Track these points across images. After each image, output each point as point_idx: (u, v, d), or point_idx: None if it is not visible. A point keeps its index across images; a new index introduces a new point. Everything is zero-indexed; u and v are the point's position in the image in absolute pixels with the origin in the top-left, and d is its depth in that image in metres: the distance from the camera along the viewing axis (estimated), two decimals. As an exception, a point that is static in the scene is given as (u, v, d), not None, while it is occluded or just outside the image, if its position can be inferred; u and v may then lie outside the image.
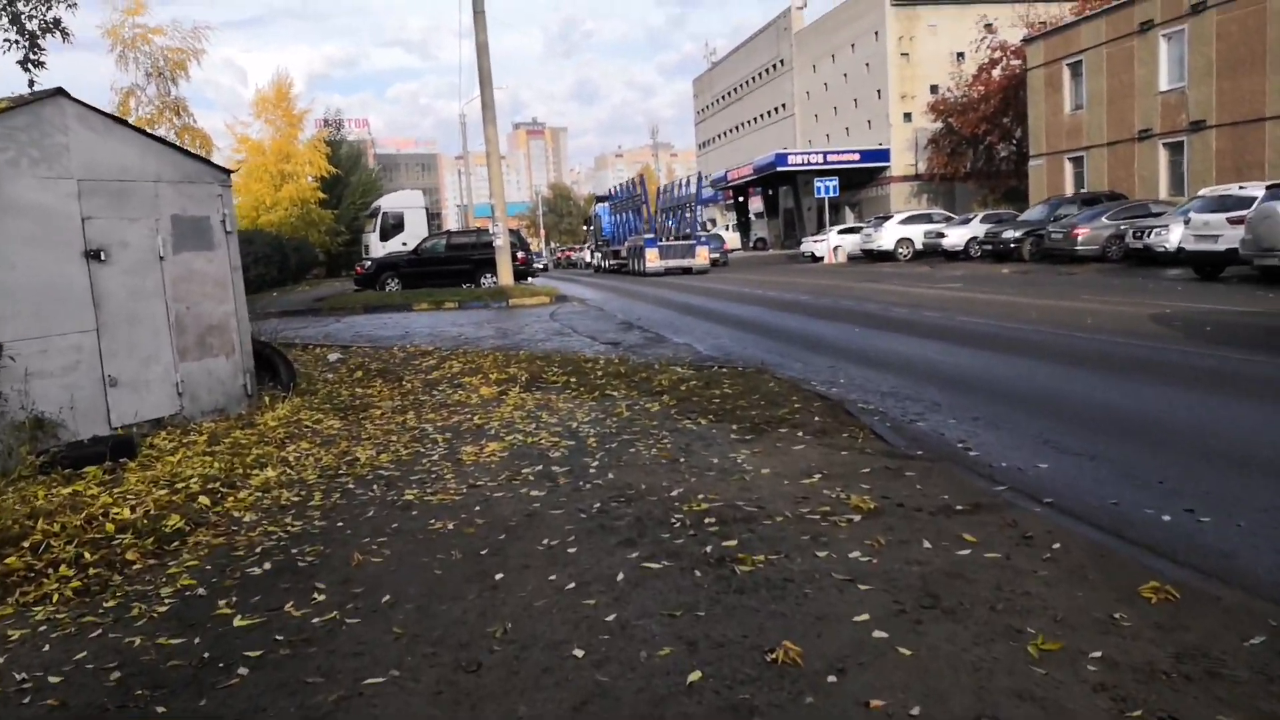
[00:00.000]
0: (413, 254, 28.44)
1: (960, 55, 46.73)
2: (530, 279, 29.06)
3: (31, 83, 11.68)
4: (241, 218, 44.47)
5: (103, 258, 7.15)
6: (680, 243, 35.57)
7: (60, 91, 6.96)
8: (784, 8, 64.01)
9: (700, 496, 4.81)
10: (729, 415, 6.81)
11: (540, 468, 5.69)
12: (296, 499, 5.48)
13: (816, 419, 6.57)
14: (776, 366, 9.51)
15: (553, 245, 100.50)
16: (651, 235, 36.59)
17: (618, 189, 47.60)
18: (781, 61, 65.29)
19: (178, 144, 7.19)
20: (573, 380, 8.84)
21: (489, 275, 26.80)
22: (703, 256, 35.36)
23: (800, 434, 6.16)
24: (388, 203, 39.02)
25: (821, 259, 38.78)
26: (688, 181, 39.04)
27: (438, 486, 5.49)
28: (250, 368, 8.45)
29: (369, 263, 29.25)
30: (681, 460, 5.64)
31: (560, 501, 4.94)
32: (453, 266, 27.39)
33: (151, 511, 5.16)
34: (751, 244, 61.93)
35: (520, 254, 27.74)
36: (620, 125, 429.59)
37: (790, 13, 63.16)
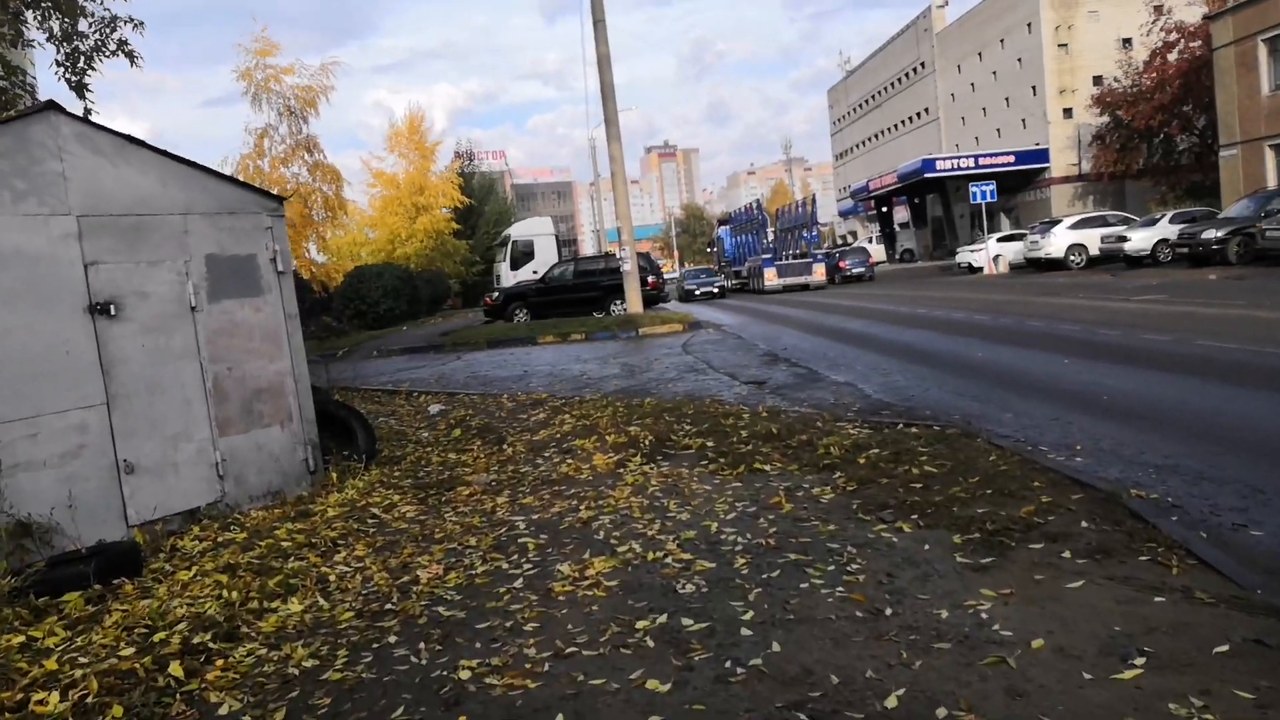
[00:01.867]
0: (540, 283, 27.17)
1: (1127, 42, 42.44)
2: (662, 304, 27.28)
3: (87, 111, 10.77)
4: (378, 251, 44.85)
5: (113, 312, 5.66)
6: (796, 261, 36.70)
7: (52, 105, 5.52)
8: (923, 8, 60.53)
9: (943, 717, 2.72)
10: (942, 514, 4.65)
11: (664, 619, 3.71)
12: (311, 664, 3.70)
13: (1083, 523, 4.33)
14: (980, 420, 7.23)
15: (686, 266, 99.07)
16: (769, 255, 37.74)
17: (737, 212, 50.15)
18: (922, 64, 61.72)
19: (211, 168, 5.55)
20: (709, 445, 6.84)
21: (619, 302, 25.22)
22: (819, 273, 36.52)
23: (1067, 554, 3.96)
24: (517, 231, 38.17)
25: (980, 270, 35.48)
26: (804, 203, 39.88)
27: (510, 651, 3.59)
28: (313, 438, 6.85)
29: (497, 293, 28.18)
30: (887, 613, 3.54)
31: (695, 713, 2.95)
32: (582, 294, 25.96)
33: (90, 697, 3.47)
34: (898, 256, 58.43)
35: (651, 278, 26.03)
36: (753, 143, 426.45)
37: (930, 13, 59.61)
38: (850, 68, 78.77)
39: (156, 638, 3.97)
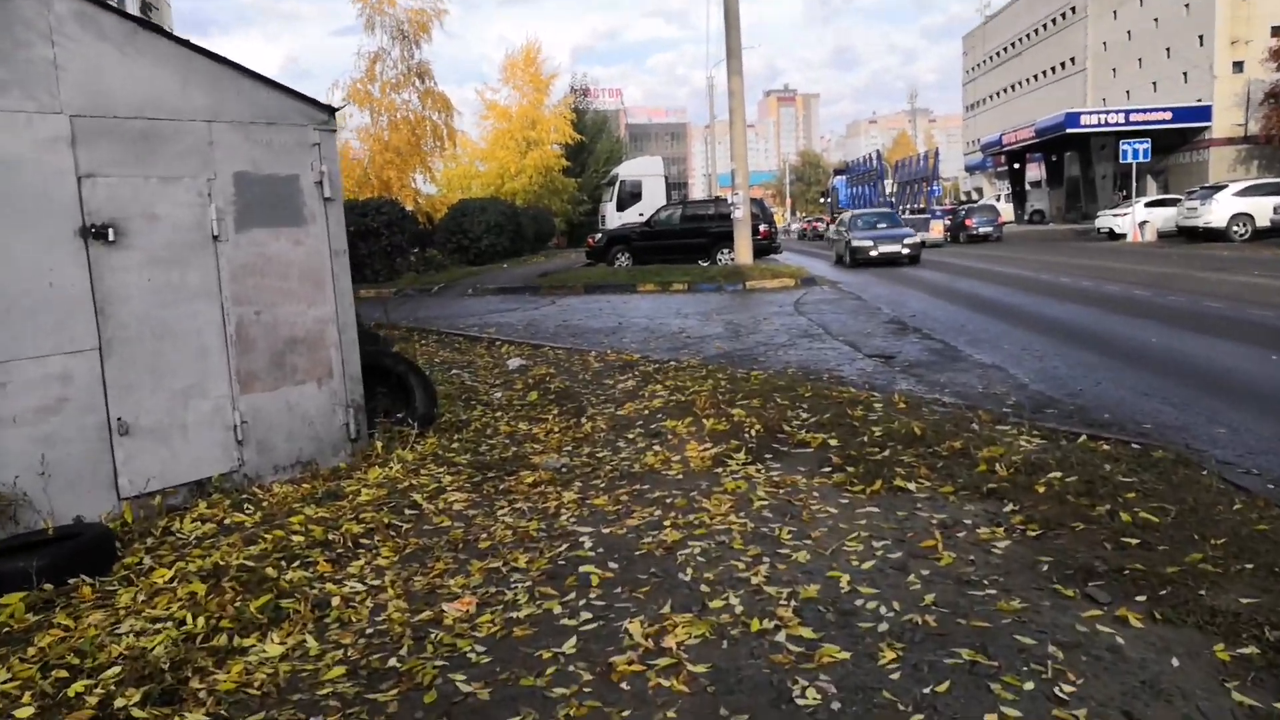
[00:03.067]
0: (645, 225, 25.82)
1: (1317, -13, 37.87)
2: (773, 255, 25.63)
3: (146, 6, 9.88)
4: (486, 186, 44.14)
5: (112, 237, 4.62)
6: (915, 216, 35.09)
7: (41, -27, 4.44)
8: (1079, -54, 55.72)
9: None
10: (1185, 600, 3.20)
11: (775, 758, 2.44)
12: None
13: None
14: (1184, 435, 5.65)
15: (799, 215, 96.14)
16: (887, 209, 35.53)
17: (856, 162, 47.05)
18: (1072, 9, 57.03)
19: (247, 67, 4.35)
20: (832, 443, 5.48)
21: (726, 251, 23.70)
22: (936, 230, 35.02)
23: None
24: (625, 170, 36.75)
25: (1123, 236, 32.44)
26: (927, 156, 38.26)
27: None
28: (356, 399, 5.77)
29: (599, 235, 26.99)
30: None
31: None
32: (688, 240, 24.51)
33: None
34: (1027, 216, 54.71)
35: (763, 226, 24.36)
36: (877, 91, 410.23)
37: (1087, -48, 54.85)
38: (990, 12, 73.75)
39: (71, 691, 2.92)
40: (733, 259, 22.43)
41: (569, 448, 5.95)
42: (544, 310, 15.49)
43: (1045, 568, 3.55)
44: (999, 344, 9.77)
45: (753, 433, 5.78)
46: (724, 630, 3.18)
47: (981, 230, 38.30)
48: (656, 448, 5.71)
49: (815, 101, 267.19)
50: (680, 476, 5.12)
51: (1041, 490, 4.43)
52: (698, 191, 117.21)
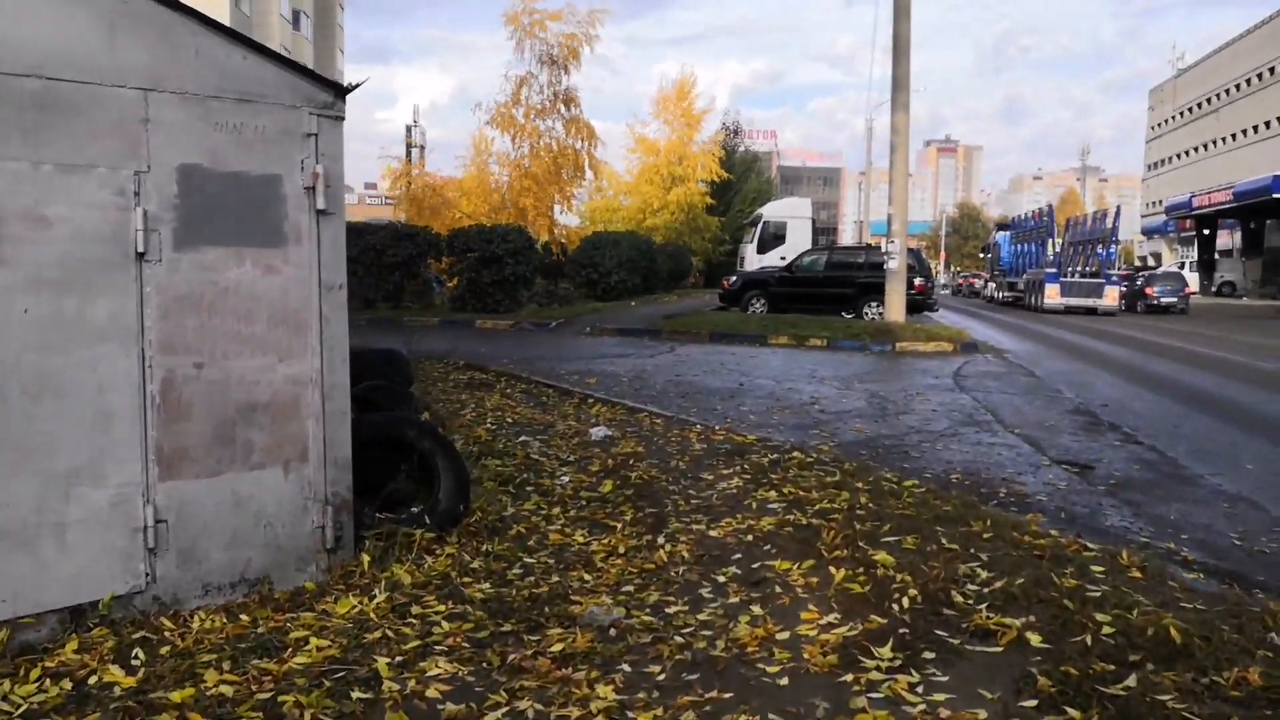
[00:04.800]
0: (785, 271, 23.89)
1: None
2: (928, 312, 23.18)
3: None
4: (628, 220, 43.09)
5: (-35, 247, 3.14)
6: (1086, 280, 31.83)
7: None
8: (1291, -3, 50.60)
9: None
10: None
11: None
12: None
13: None
14: None
15: (954, 269, 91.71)
16: (1054, 270, 32.89)
17: (1020, 217, 44.82)
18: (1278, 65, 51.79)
19: (212, 20, 2.72)
20: (1035, 640, 3.44)
21: (875, 304, 21.50)
22: (1110, 297, 31.40)
23: None
24: (770, 211, 34.88)
25: (1341, 319, 28.22)
26: (1104, 215, 34.36)
27: None
28: (342, 492, 4.13)
29: (735, 278, 25.20)
30: None
31: None
32: (831, 289, 22.46)
33: None
34: (1215, 288, 49.57)
35: (918, 280, 22.02)
36: (1044, 146, 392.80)
37: (1301, 2, 49.72)
38: (1183, 65, 68.32)
39: None
40: (881, 314, 20.24)
41: (631, 586, 4.14)
42: (659, 359, 13.76)
43: None
44: (1235, 459, 7.37)
45: (905, 601, 3.81)
46: None
47: (1164, 300, 34.50)
48: (755, 609, 3.82)
49: (978, 154, 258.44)
50: (784, 681, 3.21)
51: None
52: (847, 239, 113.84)
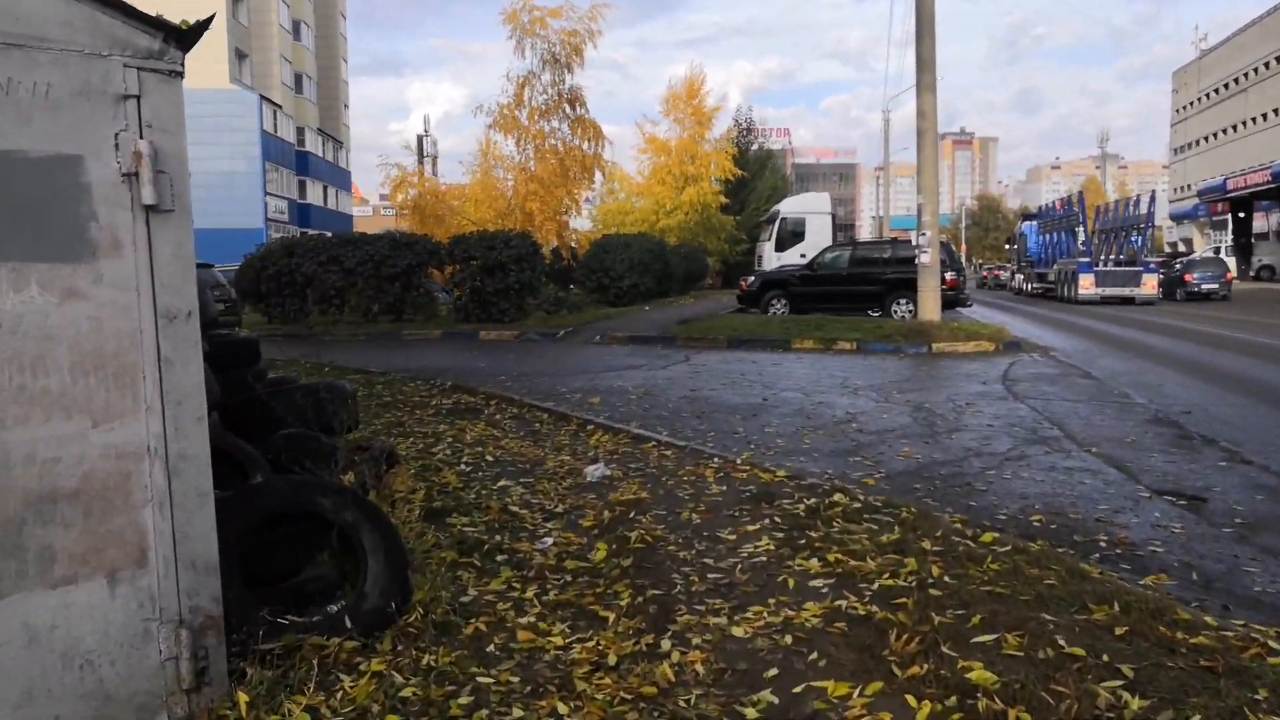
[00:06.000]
0: (807, 269, 22.55)
1: None
2: (959, 308, 21.78)
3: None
4: (640, 222, 41.81)
5: None
6: (1122, 269, 30.72)
7: None
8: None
9: None
10: None
11: None
12: None
13: None
14: None
15: (976, 262, 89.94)
16: (1087, 259, 31.57)
17: (1047, 206, 43.71)
18: (1313, 38, 49.84)
19: None
20: None
21: (904, 301, 20.18)
22: (1149, 286, 30.19)
23: None
24: (787, 207, 33.46)
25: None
26: (1137, 201, 33.14)
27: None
28: (204, 604, 2.87)
29: (753, 278, 23.88)
30: None
31: None
32: (857, 287, 21.13)
33: None
34: (1253, 272, 47.68)
35: (949, 274, 20.62)
36: (1062, 136, 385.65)
37: (1334, -28, 47.78)
38: (1206, 46, 66.26)
39: None
40: (911, 312, 18.92)
41: (623, 725, 2.88)
42: (673, 370, 12.47)
43: None
44: (1377, 483, 6.00)
45: (1026, 761, 2.52)
46: None
47: (1205, 287, 32.91)
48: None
49: (993, 145, 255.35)
50: None
51: None
52: (864, 236, 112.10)
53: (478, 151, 31.77)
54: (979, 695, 2.85)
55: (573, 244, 31.60)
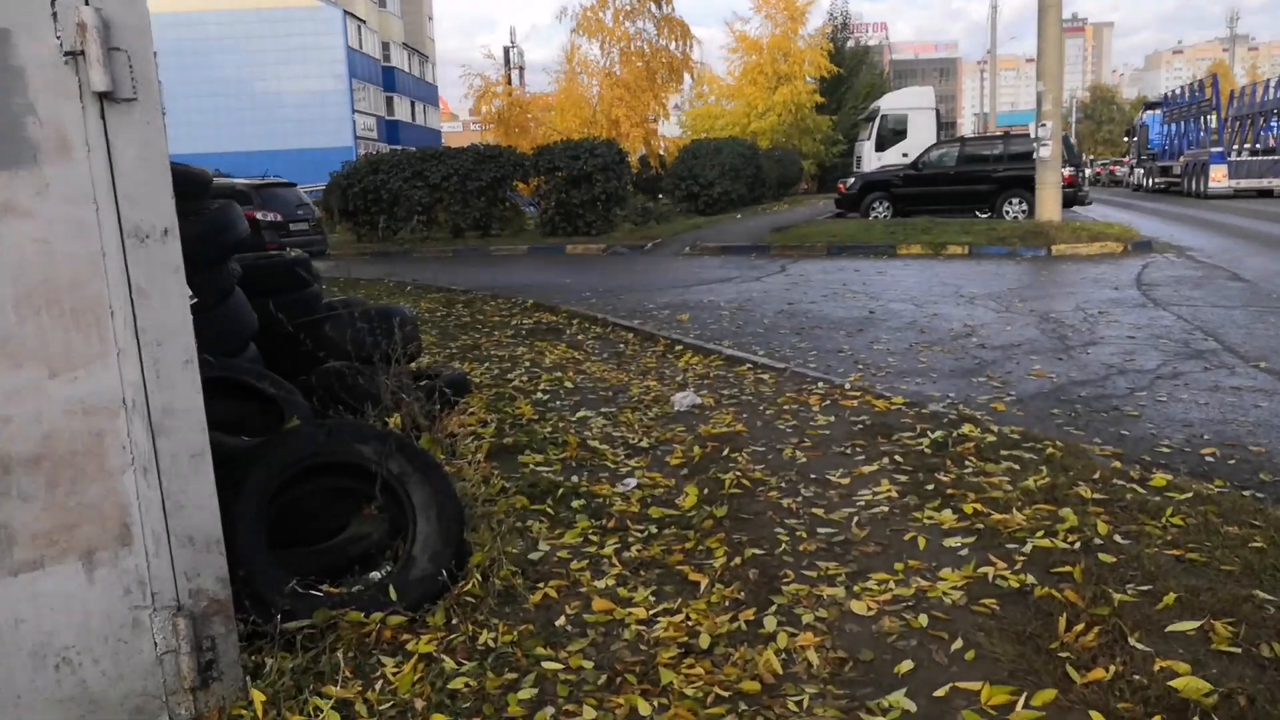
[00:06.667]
0: (911, 168, 21.11)
1: None
2: (1077, 207, 20.13)
3: None
4: (732, 125, 40.17)
5: None
6: (1260, 158, 28.30)
7: None
8: None
9: None
10: None
11: None
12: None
13: None
14: None
15: (1089, 158, 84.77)
16: (1219, 149, 29.12)
17: (1173, 93, 39.55)
18: None
19: None
20: None
21: (1017, 201, 18.73)
22: None
23: None
24: (887, 103, 31.49)
25: None
26: (1276, 83, 30.10)
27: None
28: (209, 586, 2.36)
29: (852, 180, 22.54)
30: None
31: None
32: (965, 187, 19.70)
33: None
34: None
35: (1067, 170, 18.99)
36: (1184, 17, 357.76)
37: None
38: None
39: None
40: (1025, 212, 17.53)
41: (718, 738, 2.29)
42: (768, 281, 11.66)
43: None
44: None
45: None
46: None
47: (1356, 176, 29.96)
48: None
49: (1108, 31, 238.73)
50: None
51: None
52: (967, 133, 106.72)
53: (563, 59, 30.82)
54: (1192, 714, 2.14)
55: (660, 151, 30.57)
